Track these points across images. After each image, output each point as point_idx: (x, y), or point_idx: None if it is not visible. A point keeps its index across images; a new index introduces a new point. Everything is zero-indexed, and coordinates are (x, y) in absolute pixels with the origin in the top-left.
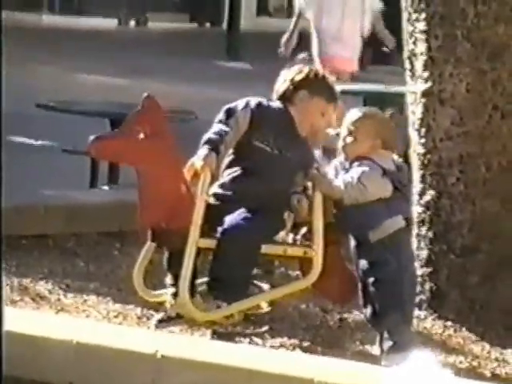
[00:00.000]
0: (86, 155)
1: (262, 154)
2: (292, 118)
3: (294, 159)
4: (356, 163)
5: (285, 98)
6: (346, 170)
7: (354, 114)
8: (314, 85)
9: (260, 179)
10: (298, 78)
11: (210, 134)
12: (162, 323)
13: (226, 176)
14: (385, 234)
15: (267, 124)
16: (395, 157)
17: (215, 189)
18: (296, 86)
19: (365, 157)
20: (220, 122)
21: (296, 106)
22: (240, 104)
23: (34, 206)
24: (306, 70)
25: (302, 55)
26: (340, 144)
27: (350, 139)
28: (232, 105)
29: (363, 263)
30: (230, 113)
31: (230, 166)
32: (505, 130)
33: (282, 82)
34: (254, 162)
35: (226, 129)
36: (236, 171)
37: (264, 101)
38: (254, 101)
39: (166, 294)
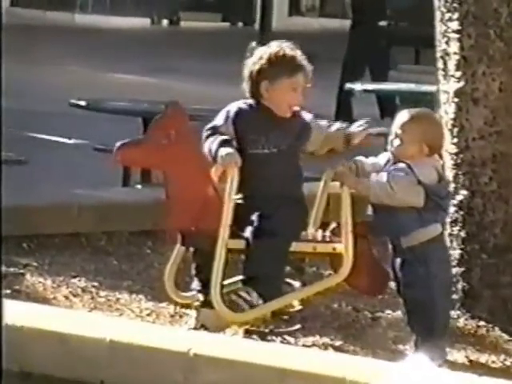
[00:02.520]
0: None
1: (262, 158)
2: (269, 110)
3: (292, 146)
4: (394, 166)
5: (253, 95)
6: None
7: (403, 116)
8: (270, 71)
9: (270, 181)
10: (254, 71)
11: (219, 139)
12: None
13: (238, 190)
14: (415, 242)
15: (253, 128)
16: (441, 165)
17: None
18: (255, 80)
19: (405, 162)
20: (210, 136)
21: (265, 98)
22: (219, 119)
23: (67, 204)
24: (258, 59)
25: (252, 43)
26: (388, 145)
27: (396, 142)
28: (213, 123)
29: (397, 265)
30: (214, 131)
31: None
32: None
33: (245, 82)
34: (259, 168)
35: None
36: (245, 183)
37: (242, 105)
38: (232, 110)
39: (194, 301)
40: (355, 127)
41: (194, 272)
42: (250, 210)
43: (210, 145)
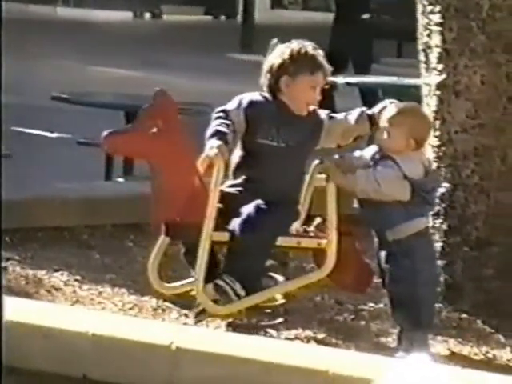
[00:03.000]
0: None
1: (268, 150)
2: (285, 105)
3: (301, 144)
4: (380, 161)
5: (271, 89)
6: (374, 165)
7: (391, 109)
8: (292, 67)
9: (271, 174)
10: (275, 66)
11: (215, 128)
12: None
13: (238, 176)
14: (401, 236)
15: (265, 119)
16: (427, 159)
17: (228, 187)
18: (276, 75)
19: (390, 157)
20: (218, 118)
21: (284, 93)
22: (232, 104)
23: (50, 198)
24: (280, 54)
25: (274, 40)
26: (376, 138)
27: (384, 135)
28: (224, 106)
29: (382, 258)
30: (224, 114)
31: (239, 165)
32: None
33: (263, 76)
34: (263, 159)
35: (228, 123)
36: (246, 170)
37: (256, 96)
38: (246, 99)
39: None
40: (378, 108)
41: (186, 261)
42: (244, 200)
43: (209, 130)
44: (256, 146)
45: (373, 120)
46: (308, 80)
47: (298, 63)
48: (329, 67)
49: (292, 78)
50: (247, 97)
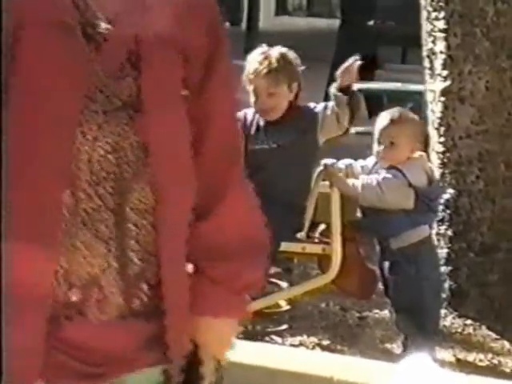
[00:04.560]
0: None
1: (262, 154)
2: (260, 108)
3: (295, 142)
4: (383, 170)
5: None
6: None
7: (383, 119)
8: (247, 76)
9: (271, 178)
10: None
11: None
12: None
13: None
14: (405, 244)
15: (253, 126)
16: (430, 168)
17: None
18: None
19: (394, 167)
20: None
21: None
22: None
23: None
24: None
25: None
26: (373, 150)
27: (381, 146)
28: None
29: (386, 267)
30: None
31: None
32: None
33: None
34: (261, 164)
35: None
36: (248, 179)
37: (246, 110)
38: (239, 113)
39: None
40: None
41: None
42: None
43: None
44: (251, 153)
45: (342, 85)
46: (251, 87)
47: (247, 71)
48: (274, 72)
49: (247, 86)
50: (240, 114)
